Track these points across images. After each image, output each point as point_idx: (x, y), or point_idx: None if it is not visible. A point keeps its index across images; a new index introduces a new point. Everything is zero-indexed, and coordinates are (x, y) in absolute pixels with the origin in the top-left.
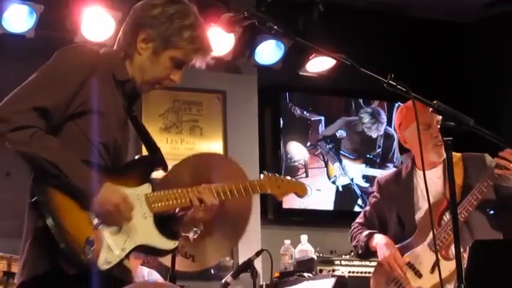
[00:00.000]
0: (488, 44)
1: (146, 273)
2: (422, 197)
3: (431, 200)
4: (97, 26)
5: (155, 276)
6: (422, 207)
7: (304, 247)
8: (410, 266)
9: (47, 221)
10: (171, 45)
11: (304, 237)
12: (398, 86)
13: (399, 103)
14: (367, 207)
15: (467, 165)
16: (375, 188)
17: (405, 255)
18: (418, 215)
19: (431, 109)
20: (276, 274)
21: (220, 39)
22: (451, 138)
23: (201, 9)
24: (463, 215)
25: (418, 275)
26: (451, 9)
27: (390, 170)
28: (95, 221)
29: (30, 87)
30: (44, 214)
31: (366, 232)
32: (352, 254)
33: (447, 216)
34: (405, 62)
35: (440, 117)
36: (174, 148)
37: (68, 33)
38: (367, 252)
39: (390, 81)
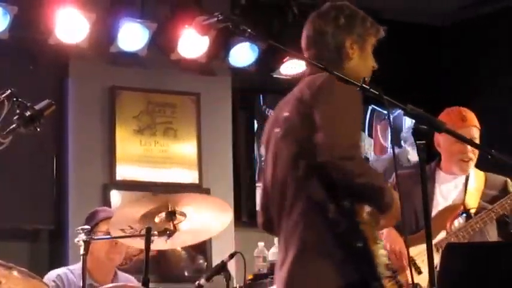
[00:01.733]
0: (462, 48)
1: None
2: (440, 199)
3: (449, 203)
4: (71, 27)
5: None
6: (436, 207)
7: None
8: (412, 261)
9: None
10: (367, 37)
11: (278, 240)
12: (370, 90)
13: (372, 106)
14: None
15: (487, 185)
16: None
17: (411, 248)
18: (433, 214)
19: (403, 112)
20: (250, 276)
21: (195, 42)
22: (424, 142)
23: (175, 11)
24: (478, 225)
25: (418, 271)
26: (425, 13)
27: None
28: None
29: (349, 125)
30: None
31: None
32: None
33: (460, 221)
34: (379, 65)
35: (477, 136)
36: (148, 150)
37: (41, 34)
38: None
39: (363, 85)
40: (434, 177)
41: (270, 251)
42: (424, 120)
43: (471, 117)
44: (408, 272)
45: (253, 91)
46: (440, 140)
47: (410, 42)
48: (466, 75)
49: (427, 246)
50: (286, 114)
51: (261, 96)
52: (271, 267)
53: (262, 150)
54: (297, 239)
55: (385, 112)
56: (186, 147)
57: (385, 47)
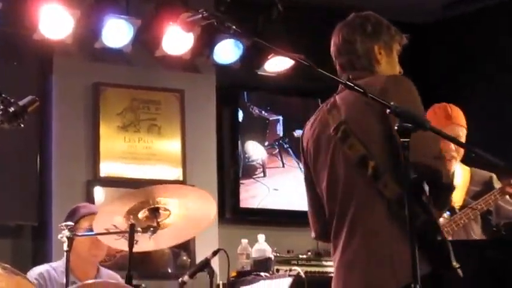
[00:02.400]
0: (448, 45)
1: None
2: None
3: None
4: (55, 23)
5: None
6: None
7: (262, 246)
8: None
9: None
10: (393, 43)
11: (261, 237)
12: (355, 87)
13: None
14: None
15: (472, 181)
16: None
17: None
18: None
19: (388, 109)
20: (233, 273)
21: (179, 39)
22: (408, 140)
23: (159, 8)
24: (463, 221)
25: None
26: (410, 10)
27: None
28: None
29: None
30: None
31: None
32: (309, 253)
33: (444, 217)
34: None
35: (462, 134)
36: (132, 147)
37: (26, 30)
38: None
39: (348, 82)
40: None
41: (254, 248)
42: (408, 118)
43: (457, 115)
44: None
45: (238, 88)
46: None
47: None
48: (452, 73)
49: (410, 244)
50: (344, 117)
51: (245, 93)
52: (255, 264)
53: (307, 157)
54: (370, 232)
55: None
56: (170, 144)
57: None
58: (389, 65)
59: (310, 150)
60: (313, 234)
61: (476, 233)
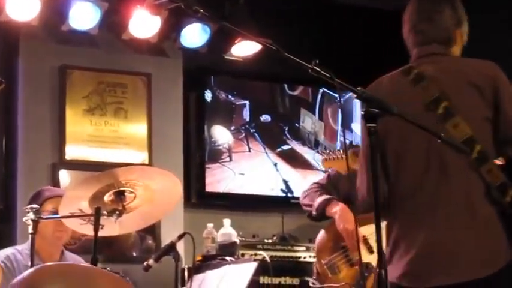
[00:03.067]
0: None
1: (70, 256)
2: None
3: None
4: (22, 5)
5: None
6: None
7: (227, 231)
8: (365, 240)
9: None
10: (465, 36)
11: (227, 221)
12: (322, 72)
13: (323, 89)
14: (333, 172)
15: None
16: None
17: (363, 227)
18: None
19: (355, 96)
20: (199, 257)
21: (146, 22)
22: (375, 125)
23: None
24: None
25: (370, 251)
26: None
27: None
28: None
29: None
30: None
31: (326, 196)
32: (275, 238)
33: None
34: (331, 47)
35: None
36: (98, 130)
37: None
38: (320, 216)
39: (315, 67)
40: None
41: (219, 232)
42: (374, 103)
43: None
44: (361, 250)
45: (205, 72)
46: None
47: (362, 26)
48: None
49: (376, 228)
50: (444, 92)
51: (212, 77)
52: (220, 248)
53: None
54: (471, 216)
55: (336, 95)
56: (137, 128)
57: (338, 30)
58: (459, 49)
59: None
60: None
61: None
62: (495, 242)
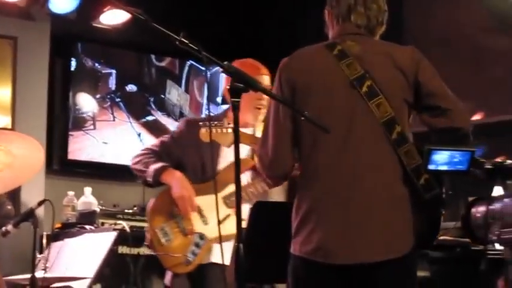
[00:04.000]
0: (280, 7)
1: None
2: (227, 152)
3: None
4: None
5: None
6: (226, 160)
7: (88, 199)
8: (200, 211)
9: None
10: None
11: (88, 190)
12: (190, 44)
13: (191, 61)
14: (166, 139)
15: None
16: (182, 125)
17: (198, 198)
18: (221, 166)
19: (221, 70)
20: (58, 225)
21: None
22: (239, 100)
23: None
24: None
25: (205, 222)
26: None
27: None
28: None
29: None
30: None
31: (162, 163)
32: (135, 208)
33: (248, 177)
34: (202, 21)
35: (269, 83)
36: None
37: None
38: (155, 182)
39: (182, 39)
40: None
41: (80, 201)
42: (240, 78)
43: (263, 66)
44: (193, 217)
45: (72, 39)
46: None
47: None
48: (286, 34)
49: (236, 204)
50: (368, 71)
51: (79, 44)
52: (80, 216)
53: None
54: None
55: (203, 68)
56: (0, 91)
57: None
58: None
59: (299, 85)
60: (266, 170)
61: (275, 196)
62: (406, 226)
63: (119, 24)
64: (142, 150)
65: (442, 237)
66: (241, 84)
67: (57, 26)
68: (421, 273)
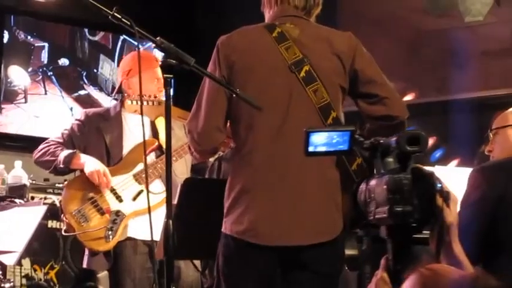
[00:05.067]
0: None
1: None
2: (130, 136)
3: (139, 140)
4: None
5: None
6: (129, 143)
7: (18, 173)
8: (112, 190)
9: None
10: None
11: (18, 163)
12: (122, 19)
13: (124, 36)
14: (67, 131)
15: None
16: (81, 116)
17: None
18: (126, 149)
19: (154, 45)
20: None
21: None
22: (172, 75)
23: None
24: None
25: (120, 200)
26: None
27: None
28: None
29: None
30: None
31: (70, 151)
32: (66, 182)
33: (152, 156)
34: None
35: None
36: None
37: None
38: (66, 168)
39: (115, 14)
40: (121, 118)
41: (10, 174)
42: (173, 54)
43: (155, 58)
44: (107, 196)
45: (4, 11)
46: (132, 83)
47: None
48: (219, 14)
49: (166, 186)
50: (306, 56)
51: (12, 16)
52: (10, 190)
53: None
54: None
55: (136, 43)
56: None
57: None
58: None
59: (238, 64)
60: (194, 144)
61: (179, 174)
62: (336, 208)
63: None
64: (45, 143)
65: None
66: (174, 61)
67: None
68: (349, 252)
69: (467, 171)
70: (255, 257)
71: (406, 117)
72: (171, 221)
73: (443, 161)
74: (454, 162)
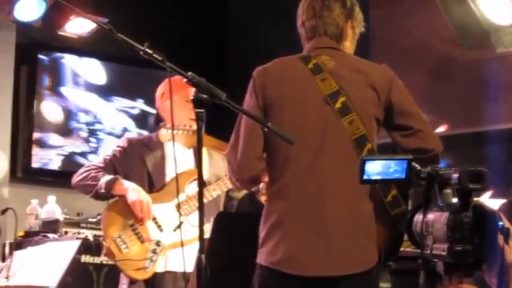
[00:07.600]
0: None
1: None
2: (172, 163)
3: (181, 169)
4: None
5: None
6: (172, 171)
7: (51, 208)
8: (153, 218)
9: None
10: (359, 26)
11: (51, 198)
12: (154, 55)
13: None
14: (109, 156)
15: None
16: (124, 143)
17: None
18: (168, 178)
19: (185, 80)
20: (21, 233)
21: None
22: (203, 110)
23: None
24: (216, 192)
25: (160, 229)
26: None
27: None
28: None
29: None
30: None
31: (112, 176)
32: (99, 217)
33: (194, 186)
34: (167, 31)
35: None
36: None
37: None
38: (107, 193)
39: (146, 49)
40: (163, 145)
41: (43, 209)
42: (204, 89)
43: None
44: (148, 224)
45: (38, 47)
46: (166, 106)
47: (194, 9)
48: (250, 46)
49: (199, 216)
50: (342, 87)
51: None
52: (43, 225)
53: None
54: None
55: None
56: None
57: (170, 12)
58: (351, 44)
59: (273, 94)
60: (234, 174)
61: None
62: (371, 240)
63: (85, 33)
64: (86, 167)
65: (403, 249)
66: (205, 95)
67: (23, 34)
68: (383, 285)
69: (501, 202)
70: (290, 287)
71: (441, 150)
72: (203, 255)
73: (477, 192)
74: (488, 193)
